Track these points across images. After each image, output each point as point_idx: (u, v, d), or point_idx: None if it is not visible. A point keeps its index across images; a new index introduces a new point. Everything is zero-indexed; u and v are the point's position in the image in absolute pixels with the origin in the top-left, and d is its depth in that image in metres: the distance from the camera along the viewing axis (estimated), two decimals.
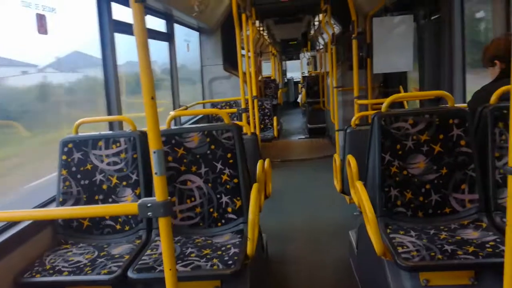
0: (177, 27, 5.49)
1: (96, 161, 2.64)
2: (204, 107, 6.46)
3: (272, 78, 12.17)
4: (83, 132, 2.72)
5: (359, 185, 2.42)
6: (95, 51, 3.35)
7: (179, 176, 2.58)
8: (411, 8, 5.03)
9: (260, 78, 9.48)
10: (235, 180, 2.55)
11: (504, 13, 3.25)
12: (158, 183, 1.41)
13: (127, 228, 2.59)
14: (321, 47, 10.37)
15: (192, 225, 2.56)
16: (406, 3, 5.05)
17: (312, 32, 11.93)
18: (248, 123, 4.43)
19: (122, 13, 3.61)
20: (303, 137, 9.46)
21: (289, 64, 19.74)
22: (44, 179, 3.10)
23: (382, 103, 2.61)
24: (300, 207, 4.82)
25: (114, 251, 2.37)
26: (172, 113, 3.04)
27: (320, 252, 3.64)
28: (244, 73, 4.74)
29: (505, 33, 2.81)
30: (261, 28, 9.29)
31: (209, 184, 2.57)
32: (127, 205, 1.83)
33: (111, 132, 3.15)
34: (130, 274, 2.07)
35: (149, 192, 2.61)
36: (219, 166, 2.57)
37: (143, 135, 2.64)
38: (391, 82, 6.21)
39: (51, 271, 2.15)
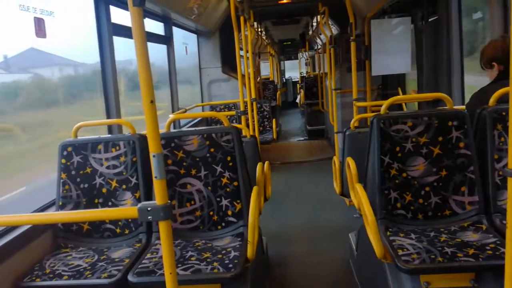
0: (175, 30, 5.49)
1: (95, 165, 2.64)
2: (203, 110, 6.46)
3: (270, 79, 12.18)
4: (82, 136, 2.72)
5: (358, 187, 2.42)
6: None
7: (178, 179, 2.58)
8: (409, 10, 5.05)
9: (258, 79, 9.49)
10: (235, 183, 2.55)
11: (501, 14, 3.26)
12: (158, 186, 1.41)
13: (127, 231, 2.58)
14: (319, 47, 10.39)
15: (192, 228, 2.56)
16: (403, 5, 5.07)
17: (310, 32, 11.94)
18: (247, 125, 4.43)
19: (119, 16, 3.60)
20: (302, 138, 9.46)
21: (288, 63, 19.78)
22: None
23: (381, 105, 2.61)
24: (300, 209, 4.81)
25: (114, 255, 2.36)
26: (171, 116, 3.04)
27: (320, 254, 3.63)
28: (243, 76, 4.74)
29: (502, 35, 2.81)
30: (259, 30, 9.30)
31: (209, 187, 2.57)
32: (127, 209, 1.84)
33: (110, 135, 3.15)
34: (130, 278, 2.07)
35: (149, 195, 2.60)
36: (218, 169, 2.57)
37: (143, 138, 2.64)
38: (390, 84, 6.23)
39: (51, 275, 2.14)
